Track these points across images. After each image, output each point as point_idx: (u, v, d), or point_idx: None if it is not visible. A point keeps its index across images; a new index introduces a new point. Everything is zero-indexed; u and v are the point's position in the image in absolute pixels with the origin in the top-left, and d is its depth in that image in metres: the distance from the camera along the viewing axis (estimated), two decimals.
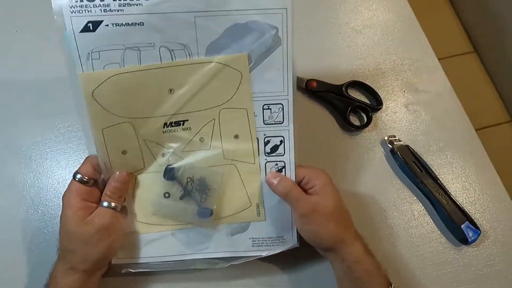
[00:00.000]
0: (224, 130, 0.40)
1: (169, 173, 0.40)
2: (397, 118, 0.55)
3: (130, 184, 0.39)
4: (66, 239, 0.36)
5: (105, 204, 0.37)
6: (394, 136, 0.52)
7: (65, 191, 0.37)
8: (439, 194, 0.48)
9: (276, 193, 0.40)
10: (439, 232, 0.48)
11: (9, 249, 0.43)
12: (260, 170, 0.41)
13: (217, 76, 0.38)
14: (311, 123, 0.53)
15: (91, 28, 0.34)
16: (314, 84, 0.54)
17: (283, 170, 0.41)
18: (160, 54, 0.36)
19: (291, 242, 0.42)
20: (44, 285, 0.37)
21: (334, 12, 0.61)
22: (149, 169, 0.40)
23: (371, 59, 0.58)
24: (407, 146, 0.51)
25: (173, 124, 0.39)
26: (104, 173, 0.38)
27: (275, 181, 0.39)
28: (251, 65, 0.38)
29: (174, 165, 0.40)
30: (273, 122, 0.40)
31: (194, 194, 0.41)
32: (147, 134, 0.39)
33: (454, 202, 0.48)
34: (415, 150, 0.51)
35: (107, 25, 0.34)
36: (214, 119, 0.39)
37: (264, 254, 0.42)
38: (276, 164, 0.41)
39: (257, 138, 0.40)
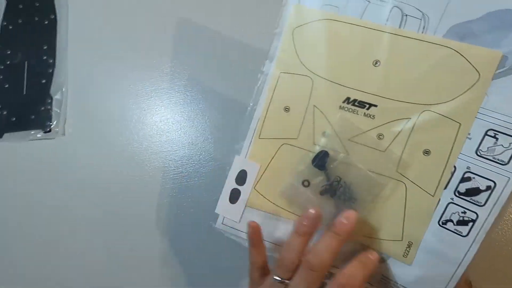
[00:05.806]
0: (415, 137, 0.30)
1: (321, 160, 0.32)
2: None
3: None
4: None
5: None
6: None
7: None
8: None
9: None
10: None
11: (113, 179, 0.45)
12: (435, 208, 0.30)
13: (444, 66, 0.28)
14: None
15: None
16: None
17: (469, 226, 0.29)
18: (388, 15, 0.29)
19: None
20: None
21: None
22: (300, 144, 0.32)
23: None
24: None
25: (356, 103, 0.31)
26: (254, 121, 0.33)
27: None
28: (500, 70, 0.27)
29: (330, 153, 0.32)
30: (490, 157, 0.28)
31: (338, 197, 0.32)
32: (321, 101, 0.31)
33: None
34: None
35: None
36: (410, 118, 0.30)
37: None
38: (464, 213, 0.29)
39: (455, 167, 0.29)
